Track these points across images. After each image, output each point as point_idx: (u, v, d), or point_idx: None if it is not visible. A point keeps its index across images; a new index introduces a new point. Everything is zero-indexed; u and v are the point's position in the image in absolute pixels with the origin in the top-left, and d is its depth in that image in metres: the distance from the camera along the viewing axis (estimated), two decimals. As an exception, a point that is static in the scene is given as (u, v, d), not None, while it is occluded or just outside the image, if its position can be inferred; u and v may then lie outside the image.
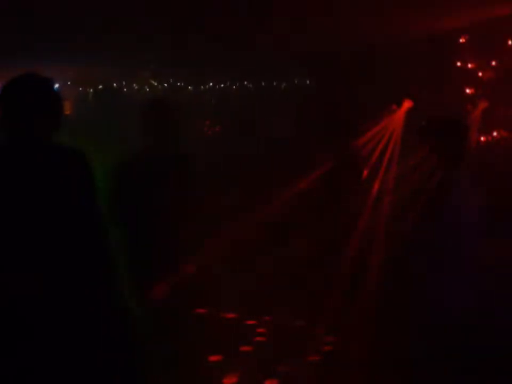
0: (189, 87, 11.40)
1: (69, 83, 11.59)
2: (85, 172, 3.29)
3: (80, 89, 11.90)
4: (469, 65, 7.82)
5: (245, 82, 11.25)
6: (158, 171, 4.72)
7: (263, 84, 10.87)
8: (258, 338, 6.28)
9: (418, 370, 3.75)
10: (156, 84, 11.40)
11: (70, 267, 3.12)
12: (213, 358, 5.69)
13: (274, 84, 11.09)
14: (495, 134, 7.56)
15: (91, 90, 11.91)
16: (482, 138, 7.63)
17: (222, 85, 11.36)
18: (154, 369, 4.54)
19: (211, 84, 11.37)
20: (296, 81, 11.23)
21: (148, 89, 11.44)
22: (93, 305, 3.18)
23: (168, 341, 4.72)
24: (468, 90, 7.81)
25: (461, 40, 7.87)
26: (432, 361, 3.66)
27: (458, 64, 7.93)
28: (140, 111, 4.87)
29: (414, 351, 3.78)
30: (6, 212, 3.04)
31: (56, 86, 10.47)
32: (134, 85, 11.64)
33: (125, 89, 11.66)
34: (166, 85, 11.42)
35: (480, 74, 7.71)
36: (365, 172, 6.18)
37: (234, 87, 11.33)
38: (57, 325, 3.06)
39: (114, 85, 11.66)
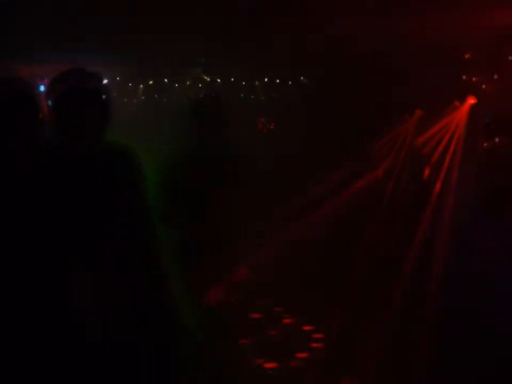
0: (243, 83, 11.23)
1: (117, 78, 11.50)
2: (135, 170, 3.33)
3: (130, 84, 11.84)
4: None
5: (301, 78, 10.97)
6: (208, 171, 4.74)
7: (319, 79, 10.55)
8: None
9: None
10: (208, 79, 11.27)
11: (119, 268, 3.16)
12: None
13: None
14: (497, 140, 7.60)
15: (141, 86, 11.86)
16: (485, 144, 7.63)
17: (278, 81, 11.16)
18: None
19: (266, 80, 11.16)
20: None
21: (200, 85, 11.30)
22: (143, 307, 3.20)
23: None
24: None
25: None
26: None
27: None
28: (190, 109, 4.95)
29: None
30: (57, 211, 3.05)
31: (105, 81, 10.55)
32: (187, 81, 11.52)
33: (176, 85, 11.55)
34: (219, 80, 11.25)
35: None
36: (427, 171, 6.02)
37: (290, 82, 11.09)
38: (108, 325, 3.11)
39: (166, 80, 11.55)
